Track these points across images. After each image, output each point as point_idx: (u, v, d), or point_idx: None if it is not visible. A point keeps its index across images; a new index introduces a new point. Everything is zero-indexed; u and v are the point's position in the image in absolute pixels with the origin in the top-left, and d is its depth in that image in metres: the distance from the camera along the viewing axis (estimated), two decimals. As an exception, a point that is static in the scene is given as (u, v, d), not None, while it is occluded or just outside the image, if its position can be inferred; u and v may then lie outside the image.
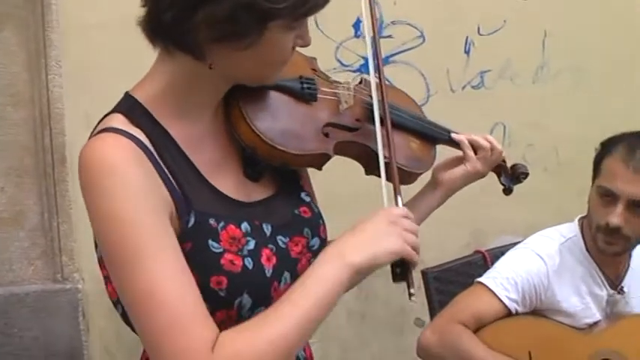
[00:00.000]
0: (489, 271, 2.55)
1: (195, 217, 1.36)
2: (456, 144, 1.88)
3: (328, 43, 3.56)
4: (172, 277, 1.28)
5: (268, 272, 1.42)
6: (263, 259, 1.42)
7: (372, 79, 1.60)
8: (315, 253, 1.54)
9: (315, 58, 1.67)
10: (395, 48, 3.76)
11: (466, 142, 1.87)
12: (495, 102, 4.00)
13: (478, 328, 2.44)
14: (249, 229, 1.43)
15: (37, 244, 3.22)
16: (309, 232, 1.54)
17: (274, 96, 1.52)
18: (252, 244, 1.41)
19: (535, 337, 2.43)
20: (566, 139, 4.12)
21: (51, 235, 3.21)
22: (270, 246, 1.45)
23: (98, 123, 1.40)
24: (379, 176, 1.56)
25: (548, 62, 4.10)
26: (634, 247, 2.48)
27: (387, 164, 1.57)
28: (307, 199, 1.60)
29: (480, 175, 1.90)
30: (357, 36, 3.59)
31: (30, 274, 3.23)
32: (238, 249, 1.39)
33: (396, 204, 1.52)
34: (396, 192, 1.54)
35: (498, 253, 2.77)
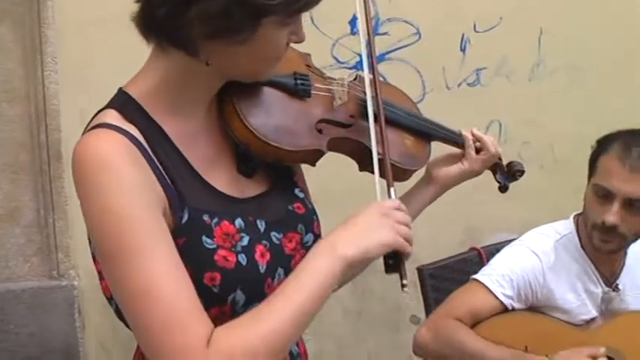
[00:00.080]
0: (485, 268, 2.56)
1: (189, 213, 1.36)
2: (451, 142, 1.88)
3: (324, 40, 3.56)
4: (167, 274, 1.27)
5: (262, 268, 1.42)
6: (257, 255, 1.42)
7: (366, 75, 1.60)
8: (308, 249, 1.54)
9: (309, 54, 1.67)
10: (391, 45, 3.76)
11: (472, 142, 1.86)
12: (491, 99, 4.00)
13: (474, 324, 2.45)
14: (242, 225, 1.43)
15: (33, 241, 3.22)
16: (303, 228, 1.54)
17: (268, 92, 1.52)
18: (245, 240, 1.41)
19: (532, 333, 2.43)
20: (562, 136, 4.12)
21: (47, 232, 3.21)
22: (264, 242, 1.45)
23: (92, 119, 1.40)
24: (373, 172, 1.56)
25: (544, 60, 4.11)
26: (629, 244, 2.48)
27: (380, 160, 1.56)
28: (301, 195, 1.60)
29: (475, 174, 1.90)
30: (353, 33, 3.58)
31: (26, 271, 3.22)
32: (232, 245, 1.39)
33: (389, 196, 1.52)
34: (389, 185, 1.53)
35: (494, 250, 2.77)
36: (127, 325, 1.33)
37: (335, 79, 1.65)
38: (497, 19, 3.95)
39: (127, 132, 1.33)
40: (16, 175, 3.17)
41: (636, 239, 2.45)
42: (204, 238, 1.37)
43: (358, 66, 3.59)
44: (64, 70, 3.13)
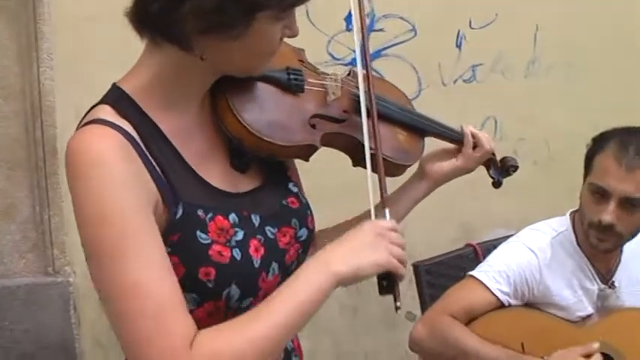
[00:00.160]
0: (481, 264, 2.55)
1: (183, 209, 1.36)
2: (446, 137, 1.88)
3: (320, 37, 3.56)
4: (151, 275, 1.27)
5: (256, 263, 1.42)
6: (251, 250, 1.42)
7: (359, 69, 1.60)
8: (303, 244, 1.56)
9: (302, 50, 1.67)
10: (387, 41, 3.76)
11: (471, 139, 1.86)
12: (487, 96, 4.00)
13: (469, 320, 2.45)
14: (237, 220, 1.43)
15: (29, 237, 3.23)
16: (297, 223, 1.55)
17: (261, 87, 1.52)
18: (240, 235, 1.41)
19: (528, 329, 2.44)
20: (557, 133, 4.12)
21: (42, 228, 3.22)
22: (259, 236, 1.45)
23: (85, 114, 1.40)
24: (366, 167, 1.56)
25: (539, 56, 4.11)
26: (625, 243, 2.47)
27: (373, 155, 1.57)
28: (295, 189, 1.60)
29: (468, 170, 1.89)
30: (348, 29, 3.59)
31: (21, 267, 3.23)
32: (226, 240, 1.39)
33: (384, 216, 1.52)
34: (384, 205, 1.54)
35: (490, 246, 2.77)
36: None
37: (328, 74, 1.65)
38: (492, 15, 3.95)
39: (121, 128, 1.33)
40: (11, 172, 3.17)
41: (632, 237, 2.45)
42: (198, 233, 1.37)
43: (354, 63, 3.57)
44: (60, 66, 3.14)
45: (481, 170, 1.97)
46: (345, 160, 1.70)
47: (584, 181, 2.44)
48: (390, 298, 1.47)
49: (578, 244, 2.51)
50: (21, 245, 3.22)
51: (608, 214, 2.33)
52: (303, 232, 1.55)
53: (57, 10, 3.11)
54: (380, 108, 1.66)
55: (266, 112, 1.50)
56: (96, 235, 1.28)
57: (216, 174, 1.46)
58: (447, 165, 1.86)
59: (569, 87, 4.15)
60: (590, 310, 2.50)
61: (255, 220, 1.47)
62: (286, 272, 1.50)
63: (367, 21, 3.68)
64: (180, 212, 1.36)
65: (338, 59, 3.62)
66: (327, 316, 3.56)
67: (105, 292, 1.29)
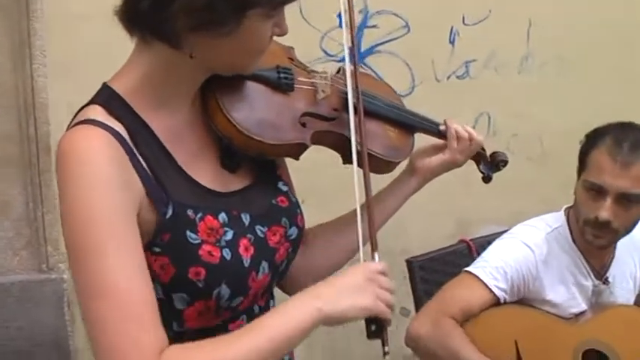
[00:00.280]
0: (477, 260, 2.54)
1: (173, 209, 1.36)
2: (434, 133, 1.88)
3: (313, 33, 3.55)
4: (124, 279, 1.27)
5: (246, 262, 1.42)
6: (241, 250, 1.42)
7: (347, 66, 1.60)
8: (293, 242, 1.56)
9: (292, 48, 1.66)
10: (380, 38, 3.77)
11: (453, 132, 1.85)
12: (480, 92, 4.00)
13: (467, 318, 2.44)
14: (226, 219, 1.43)
15: (22, 234, 3.23)
16: (287, 222, 1.55)
17: (251, 86, 1.51)
18: (229, 235, 1.42)
19: (521, 327, 2.43)
20: (550, 129, 4.13)
21: (36, 225, 3.21)
22: (249, 236, 1.45)
23: (76, 114, 1.40)
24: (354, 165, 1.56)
25: (533, 52, 4.11)
26: (620, 239, 2.47)
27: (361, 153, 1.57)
28: (285, 188, 1.60)
29: (457, 165, 1.88)
30: (341, 26, 3.57)
31: (15, 265, 3.23)
32: (216, 240, 1.39)
33: (372, 258, 1.52)
34: (373, 249, 1.54)
35: (484, 242, 2.77)
36: None
37: (318, 73, 1.65)
38: (486, 11, 3.95)
39: (111, 128, 1.33)
40: (4, 169, 3.17)
41: (627, 233, 2.44)
42: (188, 233, 1.37)
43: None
44: (53, 63, 3.13)
45: (476, 166, 1.97)
46: (335, 158, 1.70)
47: (579, 177, 2.43)
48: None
49: (573, 240, 2.50)
50: (14, 242, 3.22)
51: (605, 210, 2.32)
52: (293, 231, 1.55)
53: (50, 7, 3.10)
54: (369, 105, 1.66)
55: (256, 111, 1.50)
56: (79, 232, 1.28)
57: (207, 173, 1.46)
58: (435, 159, 1.85)
59: (562, 83, 4.15)
60: (583, 306, 2.50)
61: (245, 219, 1.47)
62: (276, 271, 1.51)
63: (360, 17, 3.70)
64: (170, 212, 1.36)
65: (331, 55, 3.62)
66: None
67: (78, 288, 1.29)
